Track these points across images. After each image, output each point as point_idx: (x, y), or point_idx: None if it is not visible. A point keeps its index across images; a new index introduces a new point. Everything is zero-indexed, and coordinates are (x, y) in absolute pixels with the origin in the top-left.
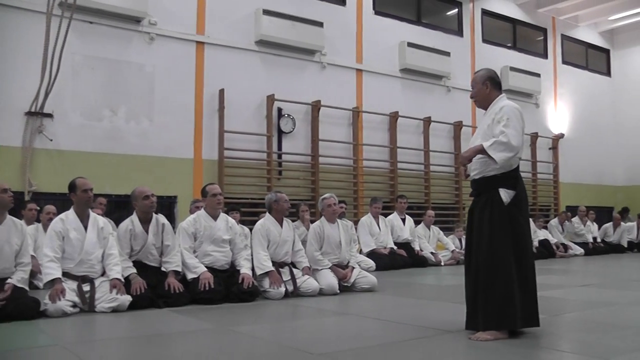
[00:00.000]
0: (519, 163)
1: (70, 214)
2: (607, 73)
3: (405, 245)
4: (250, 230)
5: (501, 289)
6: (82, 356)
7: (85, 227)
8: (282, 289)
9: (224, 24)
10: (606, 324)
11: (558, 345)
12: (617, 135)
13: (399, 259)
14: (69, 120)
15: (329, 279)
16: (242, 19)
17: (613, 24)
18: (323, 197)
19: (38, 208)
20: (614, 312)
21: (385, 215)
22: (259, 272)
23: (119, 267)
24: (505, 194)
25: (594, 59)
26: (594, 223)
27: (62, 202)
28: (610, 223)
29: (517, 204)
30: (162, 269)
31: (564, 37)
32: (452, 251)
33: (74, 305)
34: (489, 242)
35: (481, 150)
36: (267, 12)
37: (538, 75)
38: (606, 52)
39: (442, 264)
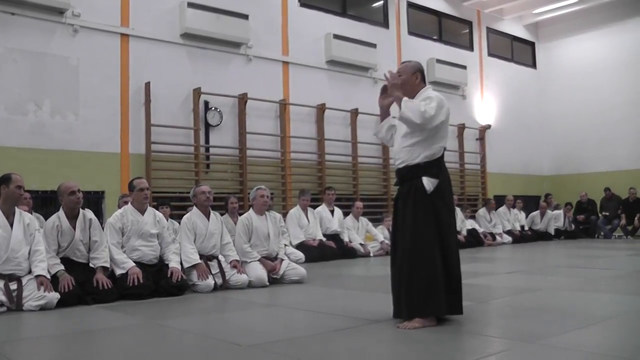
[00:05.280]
0: (442, 152)
1: None
2: (533, 65)
3: (334, 237)
4: (180, 224)
5: (424, 277)
6: (10, 356)
7: (11, 225)
8: (211, 282)
9: (149, 17)
10: (532, 309)
11: (485, 330)
12: (542, 126)
13: (328, 251)
14: None
15: (258, 272)
16: (167, 12)
17: (537, 17)
18: (258, 187)
19: None
20: (539, 297)
21: (314, 207)
22: (186, 265)
23: (45, 264)
24: (428, 183)
25: (519, 51)
26: (522, 212)
27: None
28: (538, 211)
29: (440, 192)
30: (90, 265)
31: (489, 30)
32: (381, 242)
33: (1, 305)
34: (412, 230)
35: (399, 96)
36: (191, 5)
37: (464, 67)
38: (531, 44)
39: (371, 254)
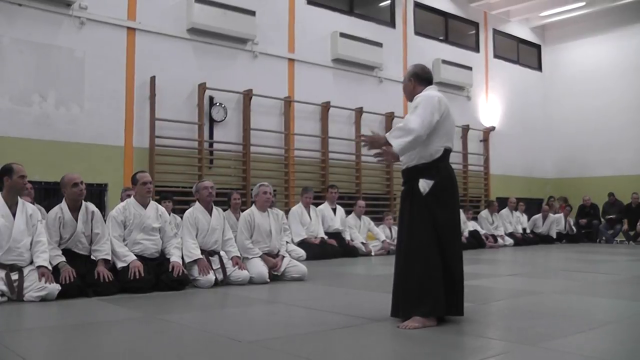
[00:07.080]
0: (441, 153)
1: None
2: (538, 68)
3: (336, 235)
4: (182, 218)
5: (419, 276)
6: (10, 346)
7: (14, 215)
8: (212, 277)
9: (156, 11)
10: (532, 311)
11: (485, 332)
12: (547, 129)
13: (330, 249)
14: None
15: (259, 268)
16: (174, 7)
17: (544, 20)
18: (260, 183)
19: None
20: (539, 300)
21: (316, 205)
22: (187, 260)
23: (46, 255)
24: (423, 184)
25: (525, 53)
26: (524, 214)
27: None
28: (540, 214)
29: (437, 193)
30: (92, 257)
31: (496, 32)
32: (383, 241)
33: (2, 295)
34: (408, 231)
35: (386, 141)
36: (198, 0)
37: (470, 68)
38: (537, 47)
39: (373, 254)
